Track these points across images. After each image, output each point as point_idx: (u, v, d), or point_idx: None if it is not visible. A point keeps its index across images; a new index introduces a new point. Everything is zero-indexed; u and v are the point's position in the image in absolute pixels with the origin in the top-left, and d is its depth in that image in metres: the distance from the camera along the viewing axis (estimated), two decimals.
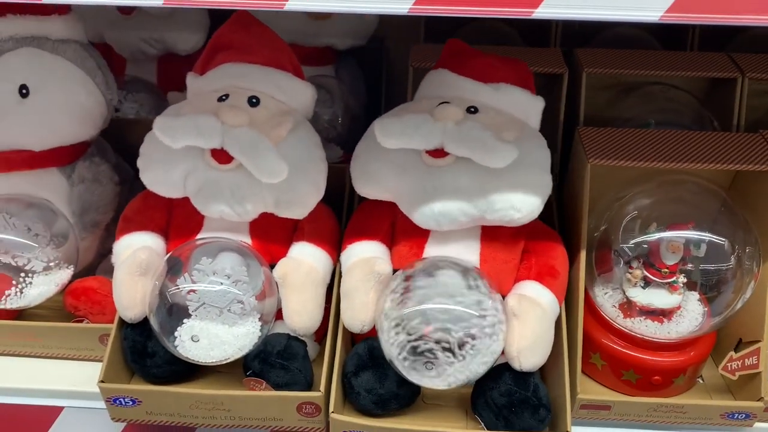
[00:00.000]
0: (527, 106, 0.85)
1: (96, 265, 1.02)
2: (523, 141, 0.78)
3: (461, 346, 0.75)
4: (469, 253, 0.83)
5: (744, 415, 0.84)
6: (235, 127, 0.76)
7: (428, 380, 0.77)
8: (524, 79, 0.86)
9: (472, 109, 0.81)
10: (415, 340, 0.76)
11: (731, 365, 0.85)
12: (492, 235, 0.83)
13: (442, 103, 0.81)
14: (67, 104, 0.89)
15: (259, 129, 0.78)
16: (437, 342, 0.75)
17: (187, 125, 0.75)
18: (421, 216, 0.79)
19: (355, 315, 0.81)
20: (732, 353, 0.84)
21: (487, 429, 0.81)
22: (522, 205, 0.77)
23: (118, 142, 1.04)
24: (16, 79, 0.87)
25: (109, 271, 0.95)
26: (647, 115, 1.01)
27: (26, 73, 0.87)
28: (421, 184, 0.79)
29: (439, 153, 0.78)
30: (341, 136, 1.17)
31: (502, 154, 0.74)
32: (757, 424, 0.86)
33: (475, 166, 0.76)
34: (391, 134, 0.76)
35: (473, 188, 0.77)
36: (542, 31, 1.21)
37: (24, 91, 0.87)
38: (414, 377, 0.77)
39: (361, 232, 0.86)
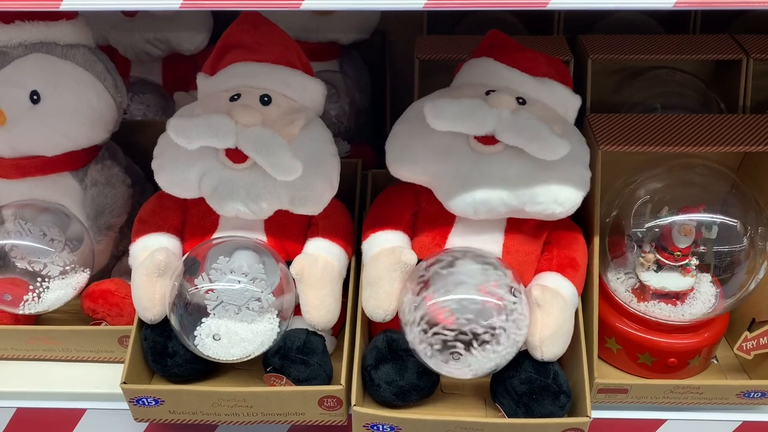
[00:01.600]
0: (567, 103, 0.86)
1: (111, 267, 1.02)
2: (567, 136, 0.78)
3: (486, 336, 0.76)
4: (493, 244, 0.83)
5: (760, 394, 0.85)
6: (248, 127, 0.77)
7: (453, 371, 0.78)
8: (563, 75, 0.87)
9: (521, 100, 0.81)
10: (440, 331, 0.76)
11: (746, 345, 0.85)
12: (516, 227, 0.84)
13: (495, 91, 0.80)
14: (78, 108, 0.90)
15: (272, 127, 0.78)
16: (462, 333, 0.76)
17: (201, 126, 0.75)
18: (460, 202, 0.79)
19: (379, 304, 0.81)
20: (746, 333, 0.85)
21: (508, 417, 0.82)
22: (565, 199, 0.78)
23: (128, 145, 1.04)
24: (26, 85, 0.87)
25: (125, 272, 0.96)
26: (653, 99, 1.02)
27: (37, 79, 0.88)
28: (465, 169, 0.78)
29: (489, 140, 0.77)
30: (348, 131, 1.18)
31: (557, 147, 0.74)
32: None
33: (523, 157, 0.76)
34: (444, 116, 0.75)
35: (519, 179, 0.77)
36: (545, 19, 1.22)
37: (35, 97, 0.87)
38: (439, 368, 0.78)
39: (384, 222, 0.86)
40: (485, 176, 0.78)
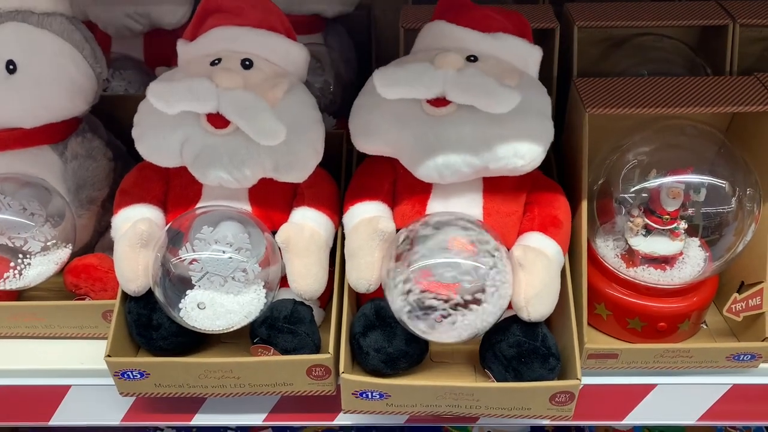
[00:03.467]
0: (526, 55, 0.85)
1: (94, 244, 1.01)
2: (524, 88, 0.78)
3: (469, 298, 0.75)
4: (472, 207, 0.83)
5: (749, 356, 0.85)
6: (229, 90, 0.75)
7: (438, 335, 0.77)
8: (521, 28, 0.86)
9: (472, 58, 0.80)
10: (423, 295, 0.76)
11: (735, 306, 0.85)
12: (494, 188, 0.83)
13: (441, 52, 0.80)
14: (56, 78, 0.88)
15: (254, 91, 0.77)
16: (445, 296, 0.75)
17: (182, 89, 0.74)
18: (424, 169, 0.78)
19: (361, 275, 0.81)
20: (736, 295, 0.85)
21: (498, 382, 0.81)
22: (526, 152, 0.77)
23: (109, 120, 1.03)
24: (2, 54, 0.85)
25: (108, 248, 0.94)
26: (640, 66, 1.01)
27: (12, 48, 0.85)
28: (423, 135, 0.78)
29: (440, 102, 0.77)
30: (334, 104, 1.17)
31: (506, 99, 0.74)
32: (763, 365, 0.87)
33: (477, 114, 0.76)
34: (392, 83, 0.75)
35: (476, 138, 0.77)
36: None
37: (11, 66, 0.85)
38: (424, 333, 0.77)
39: (362, 193, 0.86)
40: (442, 139, 0.77)
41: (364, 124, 0.82)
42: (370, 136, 0.82)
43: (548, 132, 0.79)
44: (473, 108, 0.75)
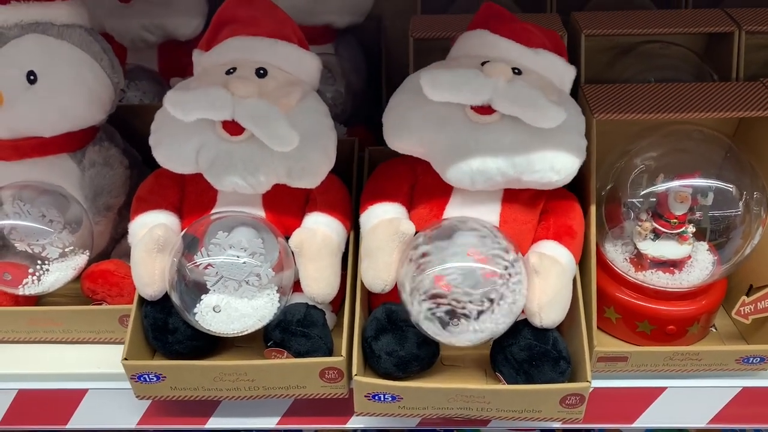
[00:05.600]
0: (563, 73, 0.86)
1: (110, 250, 1.03)
2: (563, 105, 0.79)
3: (484, 303, 0.76)
4: (490, 214, 0.84)
5: (759, 359, 0.85)
6: (244, 98, 0.77)
7: (452, 338, 0.78)
8: (559, 46, 0.88)
9: (516, 71, 0.81)
10: (438, 299, 0.77)
11: (744, 309, 0.86)
12: (513, 197, 0.84)
13: (490, 61, 0.80)
14: (75, 88, 0.90)
15: (268, 99, 0.78)
16: (460, 301, 0.76)
17: (198, 98, 0.76)
18: (457, 172, 0.79)
19: (378, 274, 0.82)
20: (744, 298, 0.86)
21: (508, 384, 0.82)
22: (561, 167, 0.78)
23: (125, 129, 1.05)
24: (23, 65, 0.87)
25: (124, 255, 0.96)
26: (647, 73, 1.02)
27: (33, 59, 0.88)
28: (462, 140, 0.78)
29: (485, 110, 0.78)
30: (344, 113, 1.18)
31: (553, 115, 0.75)
32: None
33: (519, 126, 0.77)
34: (441, 86, 0.76)
35: (515, 149, 0.78)
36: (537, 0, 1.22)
37: (32, 77, 0.87)
38: (438, 336, 0.78)
39: (381, 194, 0.87)
40: (482, 146, 0.78)
41: (401, 122, 0.82)
42: (406, 134, 0.82)
43: (582, 149, 0.81)
44: (516, 119, 0.76)
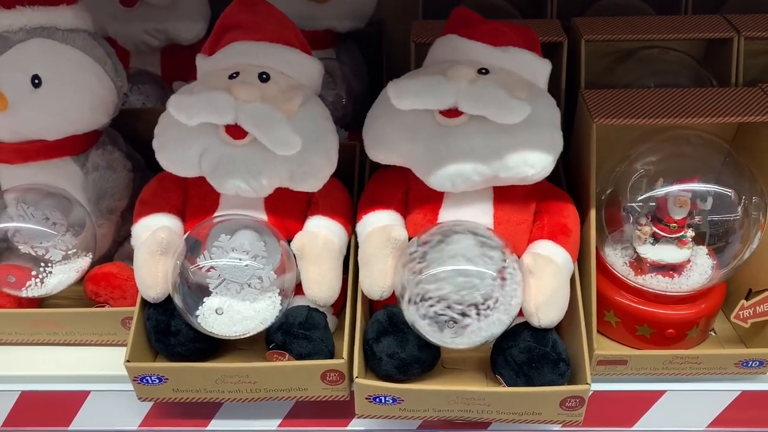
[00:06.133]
0: (535, 68, 0.87)
1: (113, 253, 1.03)
2: (534, 100, 0.80)
3: (480, 305, 0.77)
4: (483, 216, 0.84)
5: (758, 363, 0.86)
6: (247, 102, 0.78)
7: (450, 341, 0.79)
8: (531, 42, 0.88)
9: (483, 71, 0.82)
10: (435, 302, 0.77)
11: (743, 313, 0.86)
12: (504, 197, 0.85)
13: (454, 65, 0.82)
14: (79, 92, 0.90)
15: (271, 104, 0.79)
16: (457, 303, 0.77)
17: (201, 102, 0.76)
18: (436, 178, 0.80)
19: (374, 282, 0.83)
20: (743, 301, 0.86)
21: (508, 387, 0.82)
22: (535, 161, 0.79)
23: (128, 133, 1.05)
24: (28, 69, 0.88)
25: (127, 258, 0.97)
26: (646, 79, 1.03)
27: (38, 63, 0.88)
28: (435, 145, 0.80)
29: (452, 113, 0.79)
30: (345, 117, 1.19)
31: (517, 110, 0.76)
32: None
33: (488, 125, 0.78)
34: (406, 95, 0.77)
35: (487, 147, 0.79)
36: (538, 6, 1.23)
37: (36, 81, 0.88)
38: (436, 339, 0.79)
39: (375, 202, 0.87)
40: (454, 149, 0.79)
41: (378, 134, 0.84)
42: (384, 146, 0.84)
43: (557, 142, 0.81)
44: (484, 119, 0.77)
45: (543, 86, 0.87)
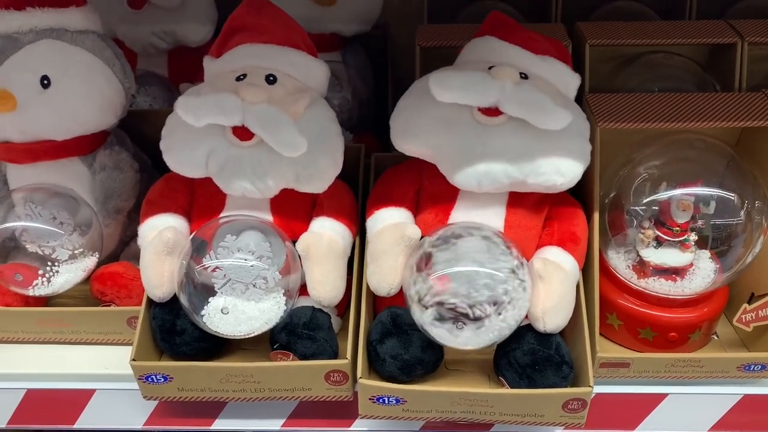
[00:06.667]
0: (568, 80, 0.87)
1: (119, 253, 1.04)
2: (568, 110, 0.79)
3: (489, 307, 0.77)
4: (495, 219, 0.85)
5: (760, 367, 0.86)
6: (254, 104, 0.78)
7: (456, 342, 0.79)
8: (564, 54, 0.89)
9: (523, 75, 0.82)
10: (443, 303, 0.78)
11: (745, 317, 0.87)
12: (518, 202, 0.85)
13: (497, 65, 0.82)
14: (88, 93, 0.91)
15: (277, 105, 0.80)
16: (465, 305, 0.77)
17: (209, 103, 0.77)
18: (463, 175, 0.80)
19: (384, 278, 0.83)
20: (746, 305, 0.86)
21: (511, 389, 0.83)
22: (567, 170, 0.79)
23: (135, 134, 1.06)
24: (37, 70, 0.89)
25: (133, 258, 0.98)
26: (650, 83, 1.03)
27: (47, 64, 0.89)
28: (470, 141, 0.79)
29: (493, 111, 0.79)
30: (351, 120, 1.20)
31: (559, 117, 0.76)
32: None
33: (525, 128, 0.78)
34: (450, 87, 0.77)
35: (522, 151, 0.79)
36: (542, 9, 1.24)
37: (45, 81, 0.89)
38: (442, 339, 0.79)
39: (387, 199, 0.88)
40: (489, 148, 0.79)
41: (408, 124, 0.83)
42: (413, 136, 0.83)
43: (587, 153, 0.82)
44: (523, 122, 0.77)
45: (572, 99, 0.88)
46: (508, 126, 0.79)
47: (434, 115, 0.81)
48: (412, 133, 0.83)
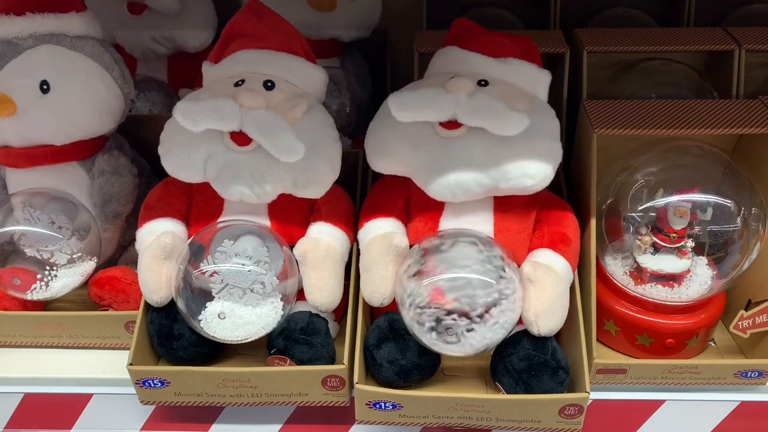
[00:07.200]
0: (535, 79, 0.87)
1: (117, 257, 1.04)
2: (533, 111, 0.81)
3: (480, 313, 0.78)
4: (484, 224, 0.85)
5: (757, 373, 0.86)
6: (252, 110, 0.79)
7: (449, 348, 0.79)
8: (531, 53, 0.89)
9: (483, 82, 0.83)
10: (435, 310, 0.78)
11: (742, 324, 0.87)
12: (505, 206, 0.86)
13: (454, 77, 0.83)
14: (87, 98, 0.92)
15: (275, 111, 0.80)
16: (457, 311, 0.77)
17: (207, 109, 0.77)
18: (437, 187, 0.81)
19: (375, 288, 0.83)
20: (742, 312, 0.87)
21: (508, 394, 0.83)
22: (535, 172, 0.80)
23: (134, 139, 1.06)
24: (37, 75, 0.89)
25: (131, 262, 0.98)
26: (648, 90, 1.04)
27: (47, 69, 0.89)
28: (435, 156, 0.81)
29: (452, 124, 0.80)
30: (350, 125, 1.20)
31: (514, 122, 0.76)
32: None
33: (487, 136, 0.78)
34: (406, 107, 0.79)
35: (486, 158, 0.79)
36: (541, 17, 1.24)
37: (45, 86, 0.89)
38: (435, 346, 0.79)
39: (377, 210, 0.88)
40: (454, 159, 0.80)
41: (380, 144, 0.85)
42: (385, 156, 0.85)
43: (556, 153, 0.82)
44: (484, 130, 0.78)
45: (543, 97, 0.88)
46: (470, 136, 0.80)
47: (401, 133, 0.83)
48: (384, 153, 0.85)
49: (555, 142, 0.82)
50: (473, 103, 0.78)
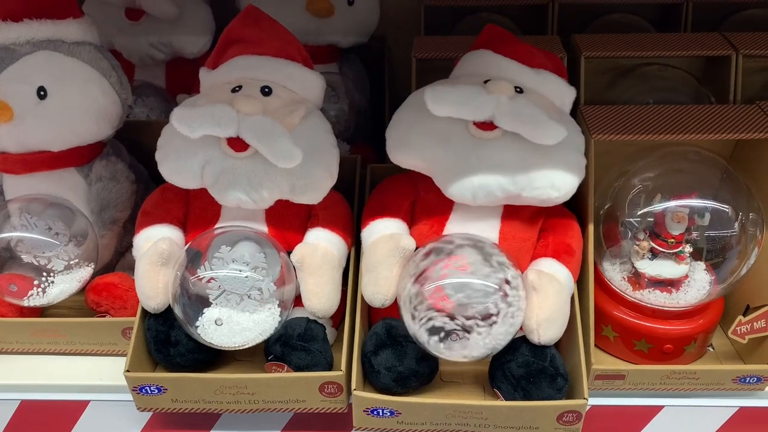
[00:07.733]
0: (563, 94, 0.88)
1: (114, 263, 1.04)
2: (563, 124, 0.80)
3: (483, 319, 0.77)
4: (490, 230, 0.85)
5: (756, 379, 0.86)
6: (249, 116, 0.79)
7: (451, 353, 0.79)
8: (560, 68, 0.90)
9: (518, 89, 0.83)
10: (437, 314, 0.78)
11: (740, 329, 0.87)
12: (513, 214, 0.86)
13: (490, 80, 0.82)
14: (84, 104, 0.91)
15: (272, 117, 0.80)
16: (459, 316, 0.77)
17: (204, 115, 0.77)
18: (458, 188, 0.80)
19: (378, 289, 0.83)
20: (741, 317, 0.86)
21: (506, 401, 0.82)
22: (562, 184, 0.79)
23: (131, 144, 1.06)
24: (34, 81, 0.89)
25: (129, 269, 0.98)
26: (645, 95, 1.04)
27: (44, 75, 0.89)
28: (465, 155, 0.80)
29: (487, 126, 0.79)
30: (348, 131, 1.20)
31: (553, 132, 0.76)
32: None
33: (520, 142, 0.78)
34: (444, 102, 0.77)
35: (516, 164, 0.79)
36: (539, 22, 1.24)
37: (42, 92, 0.89)
38: (437, 351, 0.79)
39: (383, 210, 0.88)
40: (483, 161, 0.79)
41: (404, 137, 0.84)
42: (409, 149, 0.83)
43: (582, 168, 0.82)
44: (518, 136, 0.77)
45: (568, 112, 0.88)
46: (503, 140, 0.79)
47: (430, 128, 0.81)
48: (408, 145, 0.83)
49: (581, 156, 0.82)
50: (514, 107, 0.77)
